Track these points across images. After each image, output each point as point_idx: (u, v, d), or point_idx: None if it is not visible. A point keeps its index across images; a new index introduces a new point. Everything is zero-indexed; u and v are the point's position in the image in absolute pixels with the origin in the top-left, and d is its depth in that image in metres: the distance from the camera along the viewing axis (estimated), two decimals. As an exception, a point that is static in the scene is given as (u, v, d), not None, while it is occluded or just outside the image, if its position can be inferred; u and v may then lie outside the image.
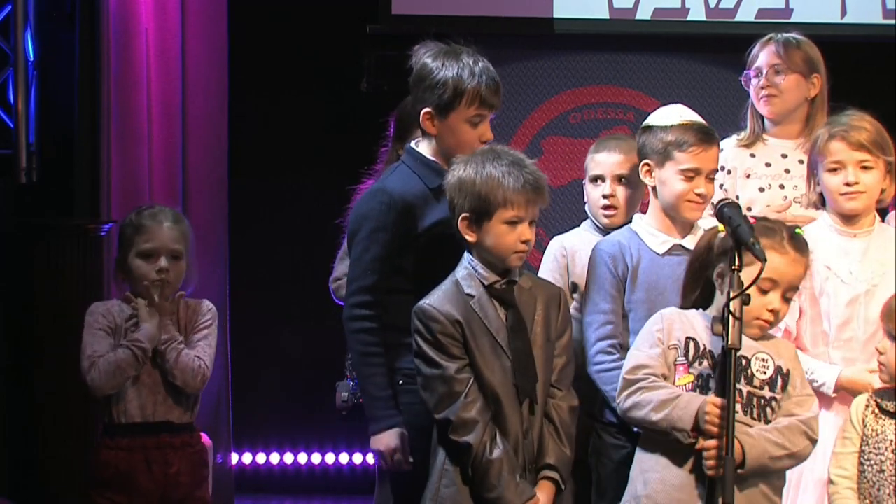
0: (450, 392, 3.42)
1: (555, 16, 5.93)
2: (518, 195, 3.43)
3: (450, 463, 3.43)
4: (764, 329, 3.47)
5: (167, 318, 4.00)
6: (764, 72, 4.32)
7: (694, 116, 3.85)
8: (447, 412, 3.41)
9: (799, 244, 3.49)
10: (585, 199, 4.14)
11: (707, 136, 3.79)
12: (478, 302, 3.46)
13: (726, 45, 4.61)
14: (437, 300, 3.46)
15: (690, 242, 3.76)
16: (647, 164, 3.83)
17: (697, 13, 5.94)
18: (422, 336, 3.45)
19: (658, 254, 3.77)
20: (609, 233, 3.96)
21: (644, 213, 3.93)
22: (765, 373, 3.43)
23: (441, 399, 3.42)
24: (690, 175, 3.77)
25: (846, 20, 5.93)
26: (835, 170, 3.89)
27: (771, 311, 3.44)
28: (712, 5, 5.94)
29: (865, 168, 3.86)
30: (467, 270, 3.50)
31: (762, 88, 4.32)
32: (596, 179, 4.08)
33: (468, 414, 3.40)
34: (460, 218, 3.48)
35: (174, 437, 3.99)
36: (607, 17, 5.94)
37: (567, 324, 3.57)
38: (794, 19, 5.84)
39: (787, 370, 3.45)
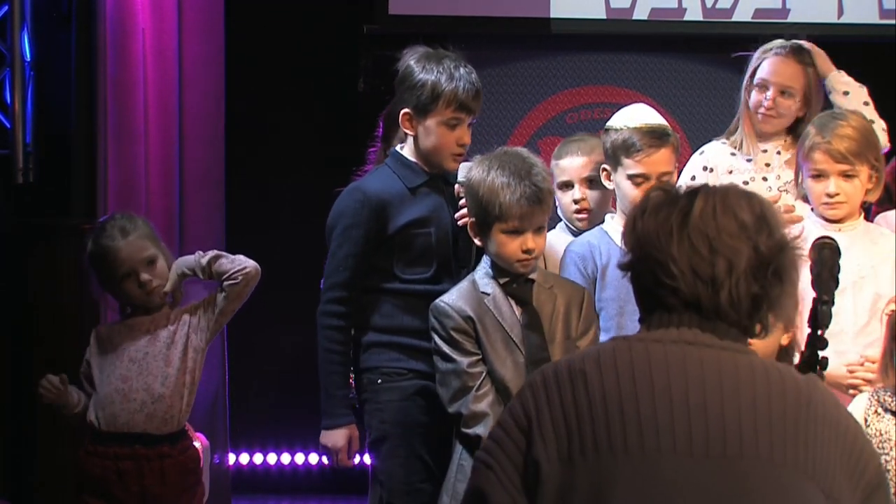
0: (463, 386, 3.48)
1: (552, 16, 5.93)
2: (514, 208, 3.47)
3: (465, 458, 3.48)
4: None
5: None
6: (770, 91, 4.21)
7: (646, 118, 3.82)
8: (459, 405, 3.48)
9: None
10: (556, 204, 4.13)
11: (655, 139, 3.76)
12: (493, 299, 3.52)
13: (723, 45, 4.60)
14: (451, 298, 3.53)
15: None
16: (605, 169, 3.85)
17: (694, 13, 5.94)
18: (437, 332, 3.53)
19: None
20: (581, 234, 3.97)
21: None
22: None
23: (455, 393, 3.49)
24: (639, 181, 3.76)
25: (843, 20, 5.94)
26: (817, 177, 3.91)
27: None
28: (709, 5, 5.95)
29: (848, 177, 3.88)
30: (484, 269, 3.57)
31: (766, 108, 4.23)
32: (564, 186, 4.06)
33: (478, 406, 3.45)
34: (470, 221, 3.56)
35: (150, 448, 3.89)
36: (604, 17, 5.95)
37: (590, 323, 3.60)
38: (790, 19, 5.84)
39: None
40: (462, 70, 3.71)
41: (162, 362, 3.92)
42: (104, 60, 5.42)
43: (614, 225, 3.84)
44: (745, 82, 4.30)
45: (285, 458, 6.26)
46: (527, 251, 3.49)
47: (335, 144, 5.90)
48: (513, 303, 3.54)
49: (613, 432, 2.10)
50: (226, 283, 3.96)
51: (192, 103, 5.73)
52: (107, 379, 3.92)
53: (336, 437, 3.70)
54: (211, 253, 3.98)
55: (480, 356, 3.50)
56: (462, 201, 3.69)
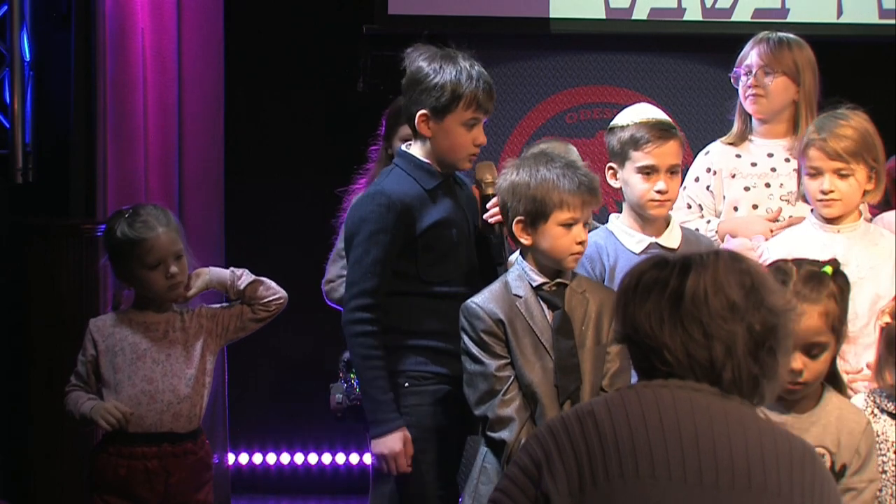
0: (490, 389, 3.46)
1: (551, 16, 5.92)
2: (574, 197, 3.47)
3: (489, 460, 3.48)
4: (794, 393, 3.13)
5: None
6: (753, 71, 4.28)
7: (652, 114, 3.83)
8: (485, 408, 3.47)
9: (813, 288, 3.13)
10: None
11: (662, 131, 3.77)
12: (524, 302, 3.50)
13: (722, 44, 4.61)
14: (483, 299, 3.51)
15: (667, 240, 3.79)
16: (611, 167, 3.84)
17: (693, 13, 5.94)
18: (467, 333, 3.50)
19: (635, 253, 3.76)
20: None
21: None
22: None
23: (482, 396, 3.47)
24: (648, 172, 3.76)
25: (842, 20, 5.93)
26: (813, 175, 3.91)
27: (794, 371, 3.06)
28: (708, 5, 5.94)
29: (842, 176, 3.87)
30: (518, 272, 3.54)
31: (750, 87, 4.28)
32: None
33: (505, 411, 3.44)
34: (515, 221, 3.51)
35: (176, 446, 3.92)
36: (604, 17, 5.94)
37: None
38: (789, 19, 5.84)
39: (843, 465, 3.16)
40: (477, 69, 3.68)
41: (183, 364, 3.94)
42: (103, 60, 5.43)
43: (619, 224, 3.84)
44: (733, 75, 4.35)
45: (285, 459, 6.26)
46: (580, 243, 3.49)
47: (335, 144, 5.91)
48: (544, 306, 3.52)
49: (625, 461, 2.15)
50: (259, 308, 4.01)
51: (192, 103, 5.74)
52: (129, 380, 3.91)
53: (392, 443, 3.62)
54: (248, 277, 4.00)
55: (509, 360, 3.47)
56: (492, 201, 3.68)
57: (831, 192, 3.87)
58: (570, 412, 2.26)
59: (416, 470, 3.66)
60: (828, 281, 3.18)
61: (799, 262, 3.21)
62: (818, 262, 3.25)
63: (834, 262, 3.25)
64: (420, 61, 3.70)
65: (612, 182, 3.87)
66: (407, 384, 3.68)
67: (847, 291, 3.23)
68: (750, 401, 2.24)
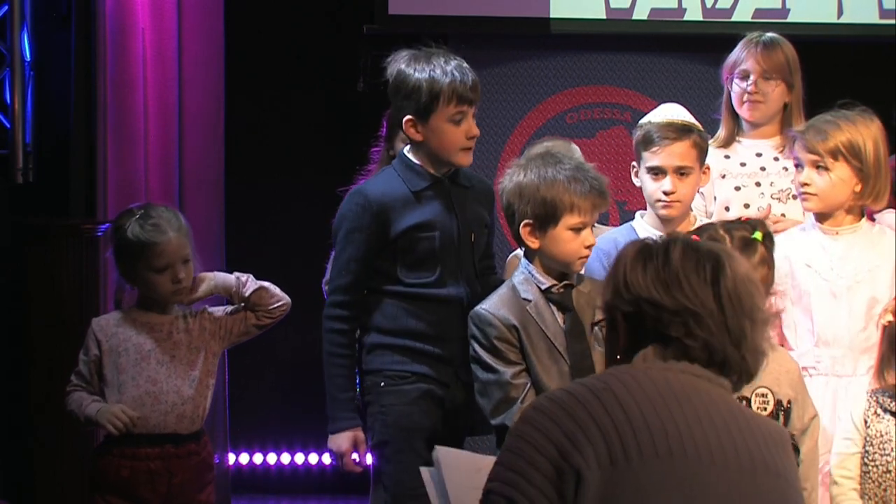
0: (506, 397, 3.41)
1: (551, 16, 5.92)
2: (584, 201, 3.42)
3: None
4: None
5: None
6: (752, 77, 4.28)
7: (668, 114, 3.83)
8: (503, 418, 3.40)
9: (747, 256, 3.23)
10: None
11: (672, 132, 3.76)
12: (534, 306, 3.45)
13: (723, 44, 4.61)
14: (493, 305, 3.45)
15: None
16: (634, 166, 3.84)
17: (694, 13, 5.93)
18: (478, 341, 3.44)
19: None
20: None
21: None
22: (764, 409, 3.32)
23: (497, 404, 3.42)
24: (655, 173, 3.76)
25: (842, 20, 5.93)
26: (797, 167, 3.92)
27: None
28: (709, 5, 5.94)
29: (819, 169, 3.86)
30: (524, 275, 3.49)
31: (749, 94, 4.28)
32: None
33: None
34: (522, 224, 3.45)
35: (179, 447, 3.92)
36: (604, 17, 5.94)
37: None
38: (790, 19, 5.83)
39: (789, 402, 3.37)
40: (453, 63, 3.64)
41: (187, 365, 3.94)
42: (104, 60, 5.43)
43: (643, 223, 3.84)
44: (725, 76, 4.35)
45: (285, 458, 6.26)
46: (588, 247, 3.46)
47: (335, 144, 5.92)
48: (554, 309, 3.48)
49: (657, 439, 2.17)
50: (263, 314, 4.01)
51: (192, 103, 5.74)
52: (132, 381, 3.90)
53: (340, 441, 3.67)
54: (253, 284, 3.99)
55: (524, 366, 3.42)
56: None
57: (807, 184, 3.86)
58: (577, 387, 2.23)
59: (394, 470, 3.66)
60: (759, 246, 3.30)
61: (729, 228, 3.31)
62: (747, 224, 3.36)
63: (761, 225, 3.32)
64: (399, 66, 3.69)
65: (634, 181, 3.86)
66: (383, 384, 3.68)
67: (773, 248, 3.39)
68: (739, 380, 2.32)
